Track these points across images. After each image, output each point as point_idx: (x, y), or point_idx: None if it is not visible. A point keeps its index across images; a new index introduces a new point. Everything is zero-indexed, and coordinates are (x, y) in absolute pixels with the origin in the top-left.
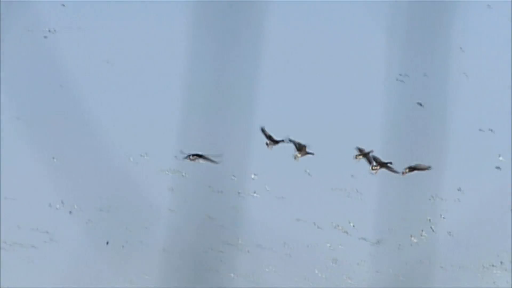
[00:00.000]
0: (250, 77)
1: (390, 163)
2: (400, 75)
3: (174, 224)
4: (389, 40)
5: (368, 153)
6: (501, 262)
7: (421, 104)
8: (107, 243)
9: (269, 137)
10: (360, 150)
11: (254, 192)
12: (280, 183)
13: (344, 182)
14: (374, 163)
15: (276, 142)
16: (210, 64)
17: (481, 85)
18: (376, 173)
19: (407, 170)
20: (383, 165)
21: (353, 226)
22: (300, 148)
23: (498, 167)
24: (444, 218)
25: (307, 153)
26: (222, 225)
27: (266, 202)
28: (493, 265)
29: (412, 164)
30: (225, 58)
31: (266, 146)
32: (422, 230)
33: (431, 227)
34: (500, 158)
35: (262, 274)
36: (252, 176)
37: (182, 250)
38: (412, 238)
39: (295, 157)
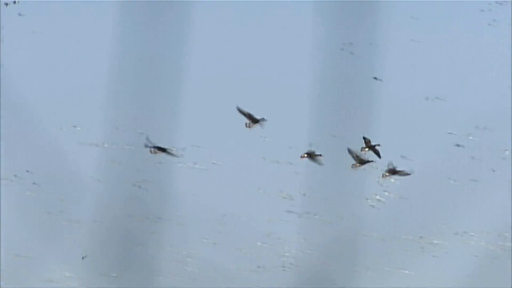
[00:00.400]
0: (185, 47)
1: (372, 161)
2: (344, 44)
3: (110, 195)
4: (331, 9)
5: (374, 146)
6: (444, 233)
7: (377, 78)
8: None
9: (249, 116)
10: (367, 142)
11: (195, 163)
12: (216, 155)
13: (282, 154)
14: (355, 162)
15: (256, 121)
16: (141, 34)
17: (432, 53)
18: (356, 169)
19: (387, 174)
20: (364, 163)
21: (295, 196)
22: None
23: (458, 145)
24: (395, 181)
25: (316, 155)
26: (159, 197)
27: (203, 174)
28: (424, 237)
29: (392, 167)
30: (155, 27)
31: (246, 126)
32: (376, 194)
33: (384, 193)
34: (449, 131)
35: (197, 246)
36: (194, 148)
37: (115, 221)
38: (369, 201)
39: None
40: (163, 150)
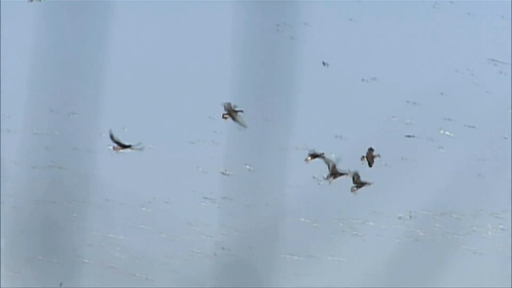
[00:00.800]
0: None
1: (347, 174)
2: (278, 25)
3: (33, 180)
4: None
5: (374, 156)
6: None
7: (325, 63)
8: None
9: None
10: (369, 152)
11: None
12: (141, 139)
13: (204, 134)
14: (328, 174)
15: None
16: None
17: (370, 33)
18: (330, 183)
19: (355, 187)
20: (337, 175)
21: (221, 180)
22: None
23: (408, 136)
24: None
25: (317, 155)
26: (82, 181)
27: (126, 158)
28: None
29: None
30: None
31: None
32: (321, 177)
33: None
34: (392, 117)
35: (124, 232)
36: (125, 129)
37: (37, 205)
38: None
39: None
40: (126, 146)
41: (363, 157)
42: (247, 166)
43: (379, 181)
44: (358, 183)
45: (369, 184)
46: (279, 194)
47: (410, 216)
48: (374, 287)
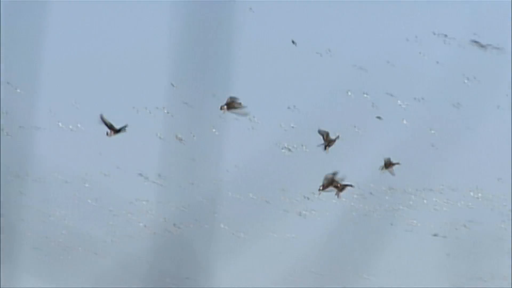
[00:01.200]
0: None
1: (351, 185)
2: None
3: None
4: None
5: (394, 164)
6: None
7: (294, 42)
8: None
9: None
10: (387, 160)
11: (78, 125)
12: (80, 116)
13: (153, 107)
14: (320, 187)
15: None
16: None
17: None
18: (319, 194)
19: (339, 191)
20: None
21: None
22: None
23: (378, 117)
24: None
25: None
26: (27, 158)
27: (75, 134)
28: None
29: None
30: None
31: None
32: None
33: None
34: (349, 93)
35: (66, 206)
36: (73, 103)
37: None
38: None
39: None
40: (119, 131)
41: (382, 167)
42: (214, 130)
43: (330, 153)
44: (341, 186)
45: (352, 186)
46: (230, 168)
47: (371, 193)
48: (319, 264)
